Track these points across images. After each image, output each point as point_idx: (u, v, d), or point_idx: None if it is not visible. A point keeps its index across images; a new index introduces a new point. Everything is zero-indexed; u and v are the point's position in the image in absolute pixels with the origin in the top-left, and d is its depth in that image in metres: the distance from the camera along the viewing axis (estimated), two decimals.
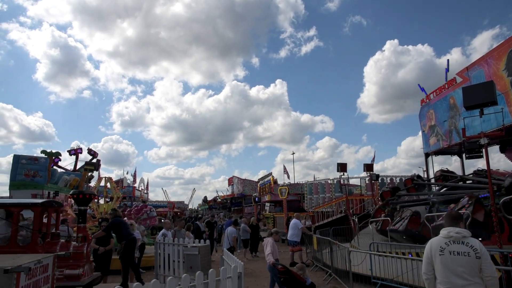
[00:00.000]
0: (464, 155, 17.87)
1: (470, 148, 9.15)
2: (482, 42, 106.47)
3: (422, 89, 22.39)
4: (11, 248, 7.02)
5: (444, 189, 15.25)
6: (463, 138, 12.55)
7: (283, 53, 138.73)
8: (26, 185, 27.91)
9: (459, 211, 8.35)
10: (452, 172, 16.74)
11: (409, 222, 11.30)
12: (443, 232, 3.73)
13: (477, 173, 14.99)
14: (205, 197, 71.21)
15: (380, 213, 15.05)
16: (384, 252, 9.16)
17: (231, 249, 12.83)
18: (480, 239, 8.23)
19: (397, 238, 11.70)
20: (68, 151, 34.62)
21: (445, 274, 3.54)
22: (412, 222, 11.33)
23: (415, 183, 16.02)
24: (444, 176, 15.96)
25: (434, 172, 18.96)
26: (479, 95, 8.10)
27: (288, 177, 42.34)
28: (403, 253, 8.84)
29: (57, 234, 7.92)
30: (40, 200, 8.05)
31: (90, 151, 36.64)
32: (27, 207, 7.75)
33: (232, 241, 13.41)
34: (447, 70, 20.21)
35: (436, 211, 11.43)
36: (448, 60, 21.01)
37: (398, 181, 23.84)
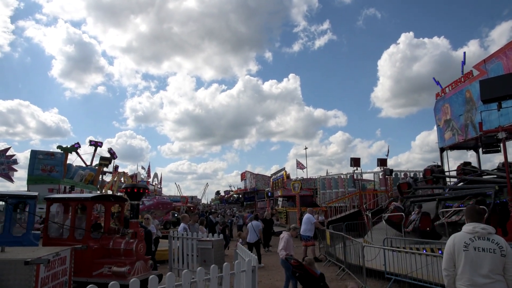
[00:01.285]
0: (480, 149, 17.54)
1: (487, 142, 8.99)
2: (501, 34, 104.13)
3: (437, 83, 21.99)
4: (69, 241, 7.13)
5: (461, 183, 15.00)
6: (480, 132, 12.30)
7: (296, 47, 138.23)
8: (43, 180, 28.59)
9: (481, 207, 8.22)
10: (474, 167, 16.43)
11: (420, 222, 11.25)
12: (468, 227, 3.60)
13: (501, 168, 14.68)
14: (218, 191, 71.67)
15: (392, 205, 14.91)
16: (398, 247, 9.08)
17: (258, 242, 12.95)
18: None
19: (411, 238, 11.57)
20: (90, 141, 35.48)
21: (467, 270, 3.44)
22: (423, 222, 11.28)
23: (433, 176, 15.80)
24: (465, 171, 15.62)
25: (449, 166, 18.73)
26: (497, 88, 7.93)
27: (303, 169, 42.08)
28: (417, 249, 8.75)
29: (113, 229, 7.68)
30: (90, 195, 8.08)
31: (110, 150, 37.46)
32: (81, 201, 7.86)
33: (259, 233, 13.35)
34: (463, 63, 19.79)
35: (442, 207, 11.34)
36: (464, 52, 20.55)
37: (412, 175, 23.54)
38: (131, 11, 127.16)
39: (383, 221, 13.85)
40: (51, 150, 31.88)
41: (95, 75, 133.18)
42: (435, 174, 16.01)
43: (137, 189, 7.31)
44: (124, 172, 45.28)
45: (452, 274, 3.59)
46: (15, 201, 8.05)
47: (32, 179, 28.63)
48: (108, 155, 37.64)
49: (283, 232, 8.69)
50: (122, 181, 44.96)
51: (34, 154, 30.34)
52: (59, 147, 32.77)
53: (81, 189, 31.35)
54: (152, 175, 64.60)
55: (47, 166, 30.07)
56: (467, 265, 3.45)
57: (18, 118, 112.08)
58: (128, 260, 6.91)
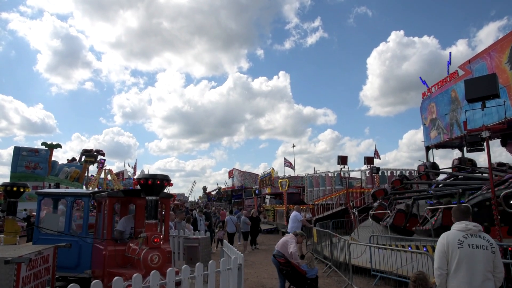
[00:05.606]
0: (465, 148, 17.83)
1: (472, 141, 9.11)
2: (488, 34, 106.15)
3: (424, 82, 22.28)
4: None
5: (440, 185, 15.16)
6: (464, 131, 12.49)
7: (287, 44, 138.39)
8: (27, 177, 28.05)
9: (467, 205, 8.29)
10: (436, 167, 16.76)
11: (443, 217, 11.18)
12: (459, 225, 3.63)
13: (458, 166, 14.94)
14: (204, 186, 71.13)
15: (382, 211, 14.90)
16: (384, 244, 9.18)
17: (235, 233, 15.67)
18: None
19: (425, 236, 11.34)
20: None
21: (463, 268, 3.42)
22: (397, 218, 11.35)
23: (405, 183, 15.97)
24: (460, 168, 15.80)
25: (418, 166, 19.00)
26: (481, 88, 8.03)
27: (292, 168, 42.25)
28: (403, 246, 8.85)
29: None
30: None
31: (100, 152, 37.24)
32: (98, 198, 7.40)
33: (236, 225, 15.63)
34: (449, 63, 20.10)
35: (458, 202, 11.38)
36: (450, 53, 20.98)
37: (398, 173, 23.82)
38: (120, 5, 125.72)
39: (370, 219, 13.96)
40: (35, 147, 31.32)
41: (82, 70, 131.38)
42: (406, 181, 16.20)
43: (155, 180, 5.62)
44: (109, 170, 44.84)
45: (445, 273, 3.55)
46: (73, 199, 7.98)
47: (15, 176, 28.06)
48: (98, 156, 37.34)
49: (286, 235, 8.51)
50: (109, 179, 44.54)
51: (18, 150, 29.74)
52: (43, 143, 32.20)
53: (67, 187, 30.90)
54: (139, 172, 63.90)
55: (31, 163, 29.53)
56: (463, 262, 3.43)
57: (1, 114, 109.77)
58: (133, 273, 5.04)
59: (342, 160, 19.25)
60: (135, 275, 3.92)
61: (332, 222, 15.08)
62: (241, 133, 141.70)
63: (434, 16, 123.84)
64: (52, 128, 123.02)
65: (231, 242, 15.01)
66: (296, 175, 39.52)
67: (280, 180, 26.04)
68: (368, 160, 21.30)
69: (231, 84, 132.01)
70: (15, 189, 6.95)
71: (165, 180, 5.74)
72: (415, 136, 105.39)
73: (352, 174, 28.39)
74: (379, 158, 31.76)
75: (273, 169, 34.05)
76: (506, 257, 7.03)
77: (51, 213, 8.51)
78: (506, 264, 6.79)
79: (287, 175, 39.52)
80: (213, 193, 64.57)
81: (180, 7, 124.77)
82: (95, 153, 35.88)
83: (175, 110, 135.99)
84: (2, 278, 4.36)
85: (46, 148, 31.33)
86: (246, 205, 41.19)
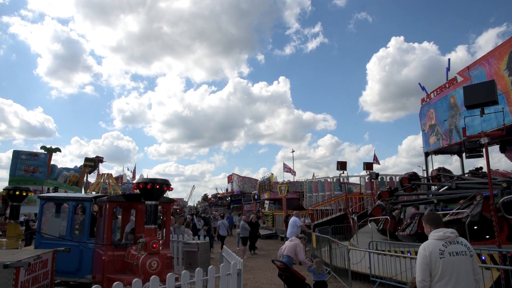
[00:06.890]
0: (464, 154, 17.89)
1: (471, 147, 9.12)
2: (488, 40, 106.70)
3: (423, 88, 22.34)
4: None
5: (443, 188, 15.21)
6: (463, 137, 12.51)
7: (288, 49, 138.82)
8: (25, 181, 28.01)
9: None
10: (449, 172, 16.71)
11: (419, 225, 11.24)
12: (437, 234, 3.59)
13: (473, 172, 14.94)
14: (205, 195, 71.27)
15: (379, 212, 14.96)
16: (383, 250, 9.16)
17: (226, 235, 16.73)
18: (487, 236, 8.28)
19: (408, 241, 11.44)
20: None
21: (447, 277, 3.41)
22: (421, 225, 11.32)
23: (412, 183, 15.92)
24: (440, 176, 15.92)
25: (431, 171, 18.98)
26: (480, 95, 8.07)
27: (293, 173, 42.23)
28: (402, 252, 8.84)
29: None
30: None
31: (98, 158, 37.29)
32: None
33: (227, 229, 17.13)
34: (448, 69, 20.16)
35: (441, 210, 11.39)
36: (449, 59, 20.98)
37: (397, 180, 23.82)
38: (121, 10, 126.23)
39: (369, 224, 13.94)
40: (34, 151, 31.31)
41: (82, 74, 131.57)
42: (413, 182, 16.17)
43: (155, 185, 5.49)
44: (109, 174, 44.75)
45: (428, 284, 3.50)
46: (75, 203, 7.96)
47: (14, 180, 28.03)
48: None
49: (293, 238, 8.55)
50: (107, 183, 44.45)
51: (17, 154, 29.74)
52: (42, 147, 32.18)
53: (65, 191, 30.85)
54: (138, 176, 63.86)
55: (30, 166, 29.53)
56: (446, 272, 3.42)
57: (0, 117, 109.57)
58: (132, 279, 4.76)
59: (341, 165, 19.29)
60: (134, 280, 3.91)
61: (331, 227, 15.05)
62: (241, 138, 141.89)
63: (434, 22, 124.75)
64: (51, 132, 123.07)
65: (223, 244, 15.09)
66: (295, 180, 39.53)
67: (279, 185, 26.02)
68: (368, 166, 21.34)
69: (231, 89, 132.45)
70: (17, 193, 6.96)
71: (164, 185, 5.62)
72: (415, 142, 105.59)
73: (351, 180, 28.38)
74: (378, 163, 31.79)
75: (272, 174, 34.06)
76: (505, 264, 7.03)
77: (52, 218, 8.50)
78: (506, 271, 6.80)
79: (286, 180, 39.53)
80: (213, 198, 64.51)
81: (181, 12, 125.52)
82: (95, 159, 35.94)
83: (174, 115, 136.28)
84: (1, 282, 4.35)
85: (45, 152, 31.31)
86: (245, 210, 41.08)
